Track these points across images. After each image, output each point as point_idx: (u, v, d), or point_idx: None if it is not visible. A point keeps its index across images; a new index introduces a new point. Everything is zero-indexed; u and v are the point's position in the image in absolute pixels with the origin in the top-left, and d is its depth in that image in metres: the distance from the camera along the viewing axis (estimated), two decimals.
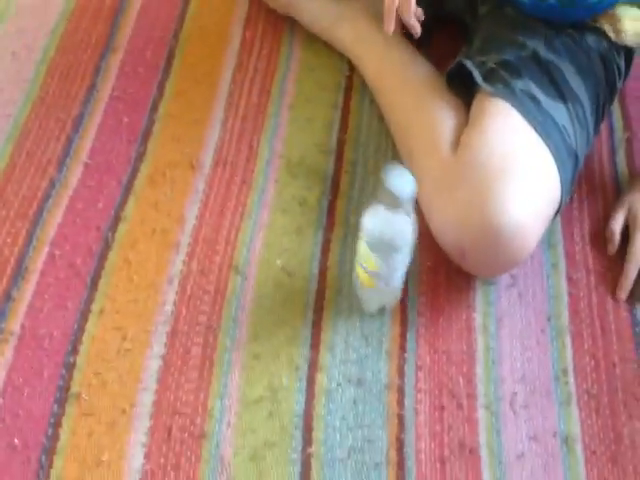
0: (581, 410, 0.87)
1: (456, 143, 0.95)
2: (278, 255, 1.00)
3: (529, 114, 0.93)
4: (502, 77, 0.97)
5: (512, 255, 0.89)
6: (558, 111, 0.94)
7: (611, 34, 0.99)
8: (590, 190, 1.07)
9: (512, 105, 0.94)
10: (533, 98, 0.94)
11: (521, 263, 0.93)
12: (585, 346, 0.92)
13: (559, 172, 0.92)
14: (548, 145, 0.91)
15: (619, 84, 1.04)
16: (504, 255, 0.89)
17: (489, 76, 0.98)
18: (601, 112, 1.01)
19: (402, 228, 0.84)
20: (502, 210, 0.86)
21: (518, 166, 0.89)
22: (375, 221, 0.85)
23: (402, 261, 0.89)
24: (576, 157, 0.95)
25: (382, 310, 0.95)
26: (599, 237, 1.02)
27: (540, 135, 0.92)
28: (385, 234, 0.85)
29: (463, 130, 0.97)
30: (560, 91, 0.96)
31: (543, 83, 0.96)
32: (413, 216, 0.85)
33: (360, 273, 0.91)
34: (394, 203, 0.81)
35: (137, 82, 1.21)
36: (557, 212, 0.94)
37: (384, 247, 0.86)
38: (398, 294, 0.95)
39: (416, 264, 0.99)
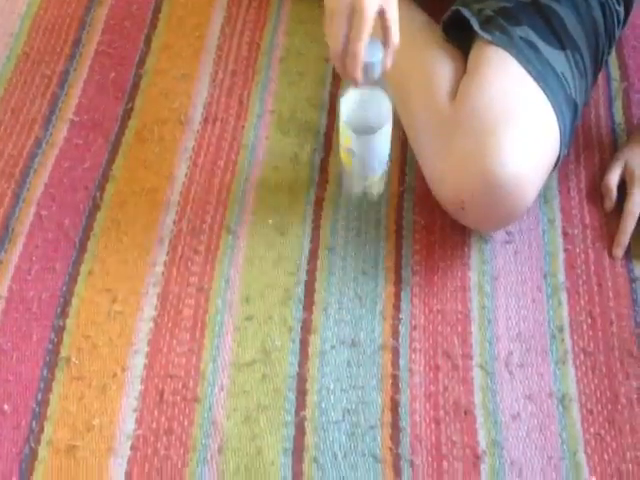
0: (577, 369, 0.86)
1: (454, 93, 0.93)
2: (270, 214, 0.99)
3: (528, 62, 0.91)
4: (500, 24, 0.94)
5: (511, 207, 0.88)
6: (557, 59, 0.92)
7: None
8: (587, 144, 1.05)
9: (511, 53, 0.92)
10: (532, 46, 0.92)
11: (520, 215, 0.92)
12: (581, 303, 0.91)
13: (558, 122, 0.90)
14: (547, 94, 0.90)
15: (618, 32, 1.01)
16: (503, 206, 0.88)
17: (487, 24, 0.95)
18: (600, 61, 0.99)
19: (377, 107, 0.86)
20: (501, 160, 0.85)
21: (517, 116, 0.88)
22: (351, 99, 0.87)
23: (378, 143, 0.90)
24: (575, 106, 0.93)
25: (364, 198, 0.97)
26: (596, 192, 1.00)
27: (539, 84, 0.90)
28: (359, 112, 0.87)
29: (461, 80, 0.95)
30: (559, 39, 0.94)
31: (542, 30, 0.93)
32: (388, 101, 0.87)
33: (341, 152, 0.94)
34: (364, 73, 0.82)
35: (123, 36, 1.18)
36: (556, 163, 0.93)
37: (359, 124, 0.88)
38: (380, 185, 0.96)
39: (409, 223, 0.98)
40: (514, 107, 0.88)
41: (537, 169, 0.88)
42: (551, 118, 0.90)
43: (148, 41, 1.17)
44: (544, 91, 0.90)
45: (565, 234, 0.97)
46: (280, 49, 1.15)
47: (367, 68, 0.82)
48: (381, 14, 0.81)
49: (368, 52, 0.81)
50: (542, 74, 0.91)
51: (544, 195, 0.99)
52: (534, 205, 0.97)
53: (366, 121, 0.88)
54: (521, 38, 0.93)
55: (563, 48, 0.93)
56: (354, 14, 0.80)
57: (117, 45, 1.17)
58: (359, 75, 0.81)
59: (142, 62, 1.15)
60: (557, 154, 0.92)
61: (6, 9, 1.21)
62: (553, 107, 0.90)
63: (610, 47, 1.01)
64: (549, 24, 0.94)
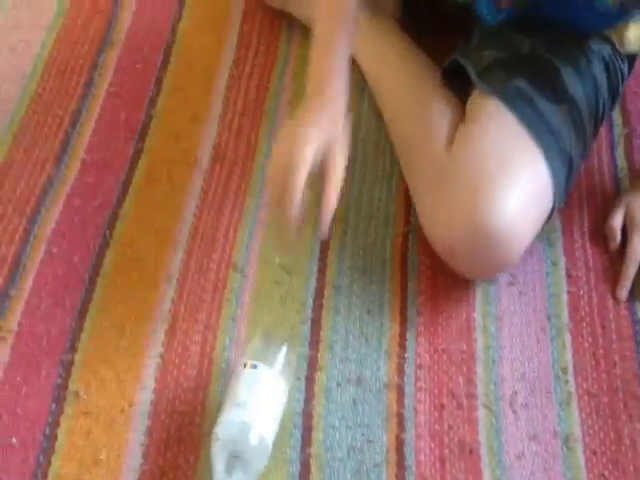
0: (581, 410, 0.86)
1: (451, 140, 0.95)
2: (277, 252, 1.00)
3: (523, 116, 0.92)
4: (498, 75, 0.96)
5: (501, 257, 0.89)
6: (553, 113, 0.93)
7: (615, 40, 0.99)
8: (590, 188, 1.06)
9: (506, 106, 0.93)
10: (528, 99, 0.94)
11: (509, 266, 0.93)
12: (585, 345, 0.92)
13: (551, 176, 0.91)
14: (541, 148, 0.91)
15: (621, 88, 1.04)
16: (493, 256, 0.89)
17: (485, 73, 0.97)
18: (600, 117, 1.00)
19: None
20: (492, 212, 0.86)
21: (510, 168, 0.89)
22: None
23: None
24: (570, 161, 0.94)
25: None
26: (599, 235, 1.01)
27: (533, 138, 0.91)
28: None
29: (458, 127, 0.96)
30: (556, 92, 0.95)
31: (539, 83, 0.95)
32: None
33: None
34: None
35: (134, 78, 1.20)
36: (549, 216, 0.94)
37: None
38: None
39: (414, 263, 0.99)
40: (507, 160, 0.90)
41: (527, 221, 0.89)
42: (544, 172, 0.91)
43: (159, 83, 1.19)
44: (538, 145, 0.91)
45: (569, 276, 0.98)
46: (288, 92, 1.18)
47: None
48: (322, 167, 0.84)
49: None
50: (536, 128, 0.92)
51: (548, 238, 1.00)
52: (538, 247, 0.98)
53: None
54: (517, 90, 0.94)
55: (559, 102, 0.94)
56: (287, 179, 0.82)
57: (128, 86, 1.19)
58: (288, 245, 0.89)
59: (153, 103, 1.17)
60: (550, 208, 0.93)
61: (19, 50, 1.24)
62: (546, 161, 0.91)
63: (613, 104, 1.03)
64: (547, 77, 0.96)
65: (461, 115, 0.99)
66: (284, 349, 0.86)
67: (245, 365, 0.84)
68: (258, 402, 0.81)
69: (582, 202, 1.05)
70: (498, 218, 0.86)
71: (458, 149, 0.93)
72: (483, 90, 0.96)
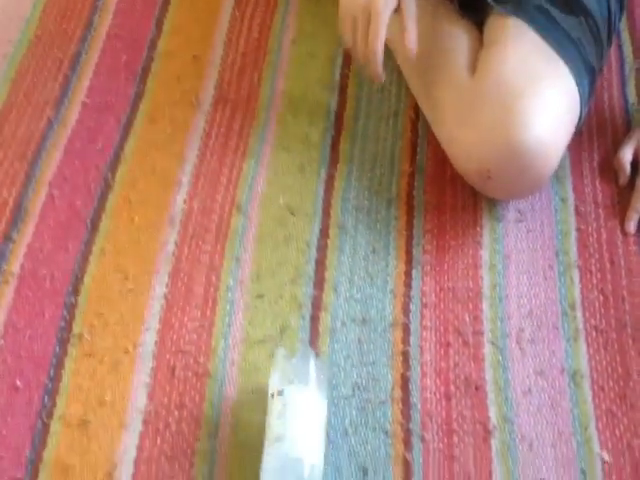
0: (589, 346, 0.86)
1: (473, 67, 0.94)
2: (281, 193, 0.99)
3: (544, 30, 0.92)
4: None
5: (537, 172, 0.89)
6: (572, 25, 0.93)
7: None
8: (600, 123, 1.04)
9: (526, 22, 0.93)
10: (547, 14, 0.93)
11: (546, 182, 0.93)
12: (593, 281, 0.91)
13: (577, 86, 0.91)
14: (565, 60, 0.91)
15: None
16: (529, 173, 0.89)
17: None
18: (612, 24, 0.99)
19: None
20: (526, 128, 0.86)
21: (537, 83, 0.89)
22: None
23: None
24: (592, 70, 0.94)
25: None
26: (608, 171, 1.00)
27: (556, 50, 0.91)
28: None
29: (478, 53, 0.95)
30: (572, 6, 0.94)
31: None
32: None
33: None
34: None
35: (135, 19, 1.18)
36: (577, 127, 0.94)
37: None
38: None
39: (420, 202, 0.97)
40: (534, 75, 0.90)
41: (560, 133, 0.90)
42: (570, 83, 0.91)
43: (159, 24, 1.17)
44: (562, 57, 0.91)
45: (577, 212, 0.96)
46: (291, 30, 1.15)
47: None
48: (398, 11, 0.87)
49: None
50: (559, 41, 0.92)
51: (556, 174, 0.98)
52: (546, 183, 0.97)
53: None
54: (535, 7, 0.93)
55: (576, 14, 0.94)
56: (371, 17, 0.88)
57: (128, 28, 1.17)
58: (380, 72, 0.91)
59: (153, 45, 1.15)
60: (578, 117, 0.93)
61: None
62: (572, 72, 0.91)
63: (621, 11, 1.02)
64: None
65: (480, 40, 0.98)
66: (312, 361, 0.79)
67: (272, 395, 0.77)
68: (295, 431, 0.74)
69: (592, 138, 1.03)
70: (532, 134, 0.86)
71: (482, 71, 0.92)
72: (501, 12, 0.95)
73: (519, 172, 0.89)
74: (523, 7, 0.94)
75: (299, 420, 0.75)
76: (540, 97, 0.88)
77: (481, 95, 0.90)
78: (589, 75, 0.93)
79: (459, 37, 0.98)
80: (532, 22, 0.92)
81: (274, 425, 0.75)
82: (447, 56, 0.97)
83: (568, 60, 0.91)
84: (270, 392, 0.78)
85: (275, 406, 0.76)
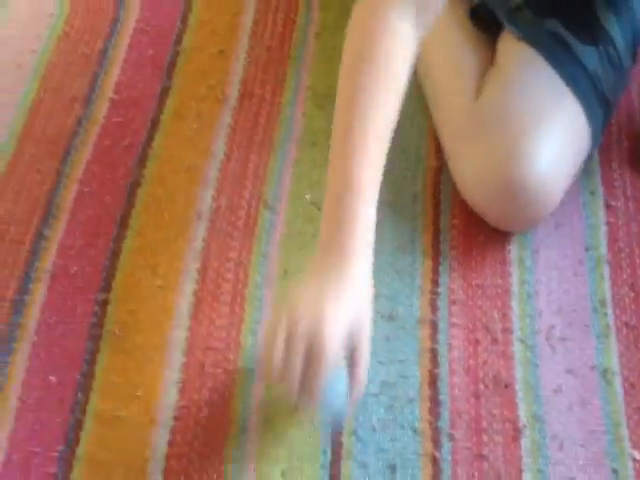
0: (620, 343, 0.85)
1: (478, 89, 0.92)
2: (307, 189, 0.99)
3: (557, 62, 0.88)
4: (529, 16, 0.91)
5: (536, 210, 0.87)
6: (589, 56, 0.89)
7: None
8: (629, 115, 1.03)
9: (540, 53, 0.89)
10: (562, 42, 0.89)
11: (545, 218, 0.91)
12: (624, 276, 0.90)
13: (589, 124, 0.88)
14: (577, 96, 0.87)
15: None
16: (528, 210, 0.87)
17: (514, 15, 0.92)
18: (636, 46, 0.95)
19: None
20: (529, 165, 0.83)
21: (546, 121, 0.86)
22: None
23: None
24: (607, 104, 0.90)
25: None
26: (638, 163, 0.99)
27: (569, 85, 0.87)
28: None
29: (485, 73, 0.93)
30: (592, 32, 0.90)
31: (573, 23, 0.90)
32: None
33: None
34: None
35: (161, 14, 1.18)
36: (587, 158, 0.91)
37: None
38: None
39: (447, 197, 0.97)
40: (541, 111, 0.86)
41: (565, 173, 0.87)
42: (581, 120, 0.88)
43: (185, 19, 1.18)
44: (574, 93, 0.87)
45: (607, 206, 0.96)
46: (315, 24, 1.15)
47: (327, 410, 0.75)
48: (350, 357, 0.72)
49: (329, 393, 0.70)
50: (573, 76, 0.88)
51: (586, 167, 0.97)
52: (575, 178, 0.96)
53: None
54: (551, 33, 0.89)
55: (595, 42, 0.90)
56: (310, 354, 0.68)
57: (154, 23, 1.17)
58: (317, 410, 0.75)
59: (179, 40, 1.15)
60: (587, 155, 0.90)
61: None
62: (584, 110, 0.87)
63: None
64: (580, 16, 0.91)
65: (489, 58, 0.94)
66: None
67: None
68: None
69: (621, 130, 1.01)
70: (534, 172, 0.83)
71: (487, 101, 0.89)
72: (512, 33, 0.91)
73: (516, 208, 0.87)
74: (539, 32, 0.89)
75: None
76: (545, 135, 0.85)
77: (482, 124, 0.88)
78: (604, 109, 0.90)
79: (469, 52, 0.95)
80: (546, 52, 0.88)
81: None
82: (454, 72, 0.95)
83: (581, 96, 0.87)
84: None
85: None
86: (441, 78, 0.96)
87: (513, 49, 0.91)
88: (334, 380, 0.71)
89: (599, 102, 0.89)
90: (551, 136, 0.85)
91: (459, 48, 0.96)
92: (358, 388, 0.72)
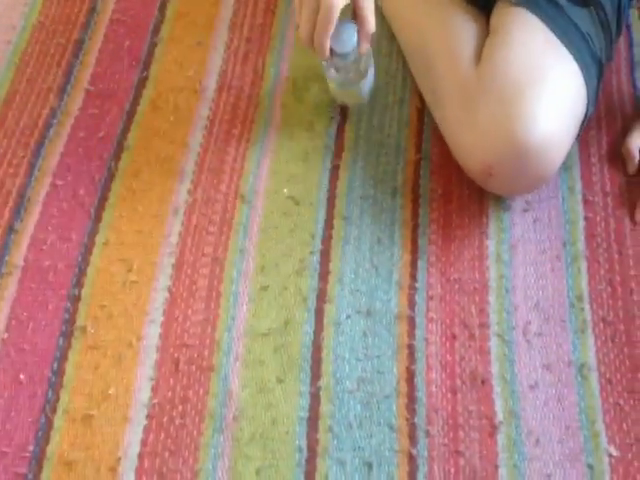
0: (596, 338, 0.85)
1: (477, 57, 0.92)
2: (285, 183, 0.98)
3: (552, 22, 0.90)
4: None
5: (541, 169, 0.87)
6: (581, 17, 0.91)
7: None
8: (608, 111, 1.03)
9: (534, 14, 0.90)
10: (556, 5, 0.91)
11: (549, 178, 0.91)
12: (601, 272, 0.90)
13: (585, 81, 0.89)
14: (573, 54, 0.89)
15: None
16: (533, 170, 0.87)
17: None
18: (622, 12, 0.96)
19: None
20: (531, 124, 0.84)
21: (544, 78, 0.87)
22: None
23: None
24: (600, 64, 0.92)
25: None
26: (617, 159, 0.98)
27: (563, 42, 0.89)
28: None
29: (484, 43, 0.93)
30: None
31: None
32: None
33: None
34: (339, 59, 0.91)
35: (138, 4, 1.17)
36: (583, 123, 0.92)
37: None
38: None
39: (426, 191, 0.96)
40: (540, 69, 0.87)
41: (566, 130, 0.87)
42: (578, 78, 0.89)
43: (163, 9, 1.16)
44: (570, 51, 0.89)
45: (585, 202, 0.95)
46: (295, 15, 1.13)
47: (339, 56, 0.89)
48: (354, 3, 0.85)
49: (340, 39, 0.87)
50: (567, 33, 0.89)
51: (564, 162, 0.97)
52: (550, 180, 0.95)
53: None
54: None
55: (586, 5, 0.91)
56: (320, 7, 0.83)
57: (132, 13, 1.16)
58: (327, 57, 0.88)
59: (157, 30, 1.14)
60: (584, 113, 0.91)
61: None
62: (579, 66, 0.89)
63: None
64: None
65: (485, 30, 0.95)
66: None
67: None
68: None
69: (600, 124, 1.01)
70: (537, 131, 0.84)
71: (487, 65, 0.90)
72: (508, 1, 0.92)
73: (522, 170, 0.87)
74: None
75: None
76: (545, 92, 0.86)
77: (483, 89, 0.88)
78: (597, 68, 0.91)
79: (464, 26, 0.96)
80: (540, 12, 0.90)
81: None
82: (451, 44, 0.95)
83: (575, 52, 0.89)
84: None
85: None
86: (439, 53, 0.96)
87: (508, 14, 0.92)
88: (343, 27, 0.87)
89: (592, 60, 0.90)
90: (551, 93, 0.86)
91: (454, 21, 0.97)
92: (366, 27, 0.87)
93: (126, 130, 1.03)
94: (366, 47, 0.90)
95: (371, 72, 0.99)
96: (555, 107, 0.86)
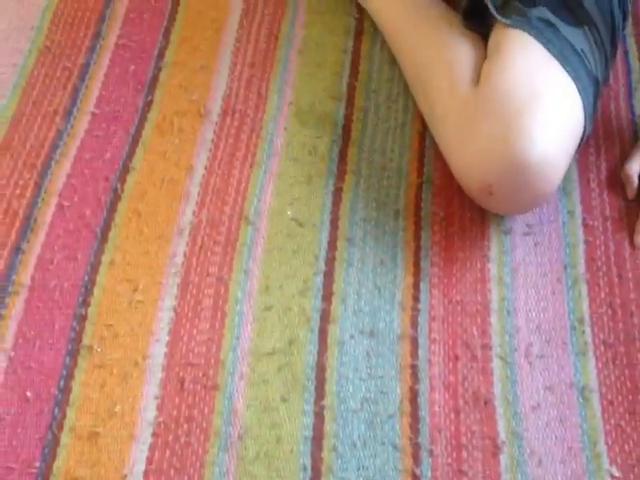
0: (598, 360, 0.86)
1: (476, 79, 0.94)
2: (289, 205, 0.99)
3: (548, 42, 0.92)
4: (517, 7, 0.95)
5: (540, 188, 0.88)
6: (576, 36, 0.93)
7: None
8: (607, 135, 1.05)
9: (530, 34, 0.92)
10: (550, 25, 0.93)
11: (548, 197, 0.92)
12: (602, 295, 0.91)
13: (582, 99, 0.91)
14: (569, 72, 0.90)
15: (629, 1, 1.02)
16: (532, 188, 0.88)
17: (504, 8, 0.96)
18: (616, 33, 0.99)
19: None
20: (529, 142, 0.85)
21: (542, 97, 0.88)
22: None
23: None
24: (597, 82, 0.94)
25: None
26: (616, 183, 1.00)
27: (560, 63, 0.91)
28: None
29: (482, 65, 0.95)
30: (575, 16, 0.94)
31: (558, 9, 0.94)
32: None
33: None
34: None
35: (143, 29, 1.18)
36: (581, 141, 0.93)
37: None
38: None
39: (428, 214, 0.98)
40: (538, 88, 0.89)
41: (564, 149, 0.89)
42: (575, 96, 0.90)
43: (167, 34, 1.17)
44: (566, 69, 0.90)
45: (585, 225, 0.97)
46: (298, 41, 1.16)
47: None
48: None
49: None
50: (562, 52, 0.91)
51: (564, 187, 0.99)
52: (554, 197, 0.97)
53: None
54: (539, 19, 0.93)
55: (580, 25, 0.94)
56: None
57: (137, 38, 1.17)
58: None
59: (161, 55, 1.15)
60: (582, 132, 0.92)
61: (26, 2, 1.22)
62: (576, 85, 0.90)
63: (625, 19, 1.02)
64: (564, 2, 0.95)
65: (484, 53, 0.97)
66: None
67: None
68: None
69: (599, 150, 1.03)
70: (536, 149, 0.85)
71: (485, 84, 0.91)
72: (505, 24, 0.95)
73: (521, 188, 0.88)
74: (528, 19, 0.93)
75: None
76: (543, 112, 0.87)
77: (483, 107, 0.90)
78: (594, 87, 0.93)
79: (462, 48, 0.98)
80: (536, 33, 0.92)
81: None
82: (450, 66, 0.97)
83: (572, 71, 0.91)
84: None
85: None
86: (437, 75, 0.97)
87: (505, 35, 0.94)
88: None
89: (589, 78, 0.92)
90: (549, 112, 0.88)
91: (452, 44, 0.99)
92: None
93: (131, 152, 1.05)
94: None
95: None
96: (553, 126, 0.87)
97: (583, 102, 0.91)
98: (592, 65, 0.93)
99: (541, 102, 0.88)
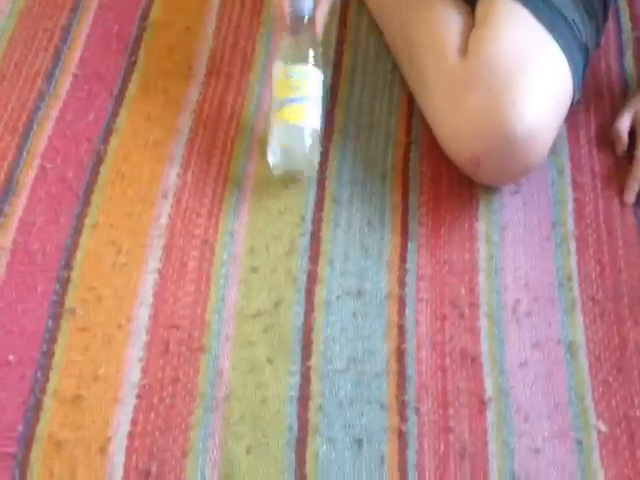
0: (585, 316, 0.85)
1: (464, 48, 0.92)
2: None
3: (537, 11, 0.90)
4: None
5: (528, 158, 0.87)
6: (566, 5, 0.91)
7: None
8: (597, 94, 1.03)
9: (519, 2, 0.90)
10: None
11: (536, 167, 0.91)
12: (590, 252, 0.90)
13: (571, 69, 0.89)
14: (559, 42, 0.89)
15: None
16: (520, 159, 0.87)
17: None
18: (609, 1, 0.97)
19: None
20: (518, 113, 0.84)
21: (531, 67, 0.87)
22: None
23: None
24: (586, 51, 0.92)
25: (295, 181, 0.96)
26: (605, 141, 0.99)
27: (550, 32, 0.89)
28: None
29: (470, 34, 0.93)
30: None
31: None
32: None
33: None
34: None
35: None
36: (570, 109, 0.92)
37: None
38: (312, 160, 0.95)
39: (416, 174, 0.97)
40: (527, 58, 0.87)
41: (552, 119, 0.88)
42: (564, 66, 0.89)
43: None
44: (555, 39, 0.89)
45: (575, 183, 0.96)
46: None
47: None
48: None
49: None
50: (552, 22, 0.89)
51: (553, 144, 0.97)
52: (536, 169, 0.95)
53: None
54: None
55: None
56: None
57: None
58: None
59: (145, 15, 1.14)
60: (570, 101, 0.91)
61: None
62: (565, 54, 0.89)
63: None
64: None
65: (471, 21, 0.95)
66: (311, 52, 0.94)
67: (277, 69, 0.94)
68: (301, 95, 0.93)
69: (589, 107, 1.02)
70: (524, 119, 0.84)
71: (474, 54, 0.90)
72: None
73: (509, 160, 0.87)
74: None
75: (304, 88, 0.92)
76: (531, 82, 0.86)
77: (471, 78, 0.88)
78: (583, 56, 0.91)
79: (450, 18, 0.96)
80: (526, 2, 0.90)
81: (277, 91, 0.93)
82: (438, 35, 0.95)
83: (561, 41, 0.89)
84: (274, 71, 0.95)
85: (279, 76, 0.94)
86: (424, 45, 0.96)
87: (494, 5, 0.93)
88: None
89: (579, 48, 0.91)
90: (538, 82, 0.87)
91: (440, 14, 0.97)
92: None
93: (115, 114, 1.03)
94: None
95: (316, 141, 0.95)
96: (542, 96, 0.86)
97: (572, 72, 0.89)
98: (583, 34, 0.91)
99: (529, 74, 0.86)
